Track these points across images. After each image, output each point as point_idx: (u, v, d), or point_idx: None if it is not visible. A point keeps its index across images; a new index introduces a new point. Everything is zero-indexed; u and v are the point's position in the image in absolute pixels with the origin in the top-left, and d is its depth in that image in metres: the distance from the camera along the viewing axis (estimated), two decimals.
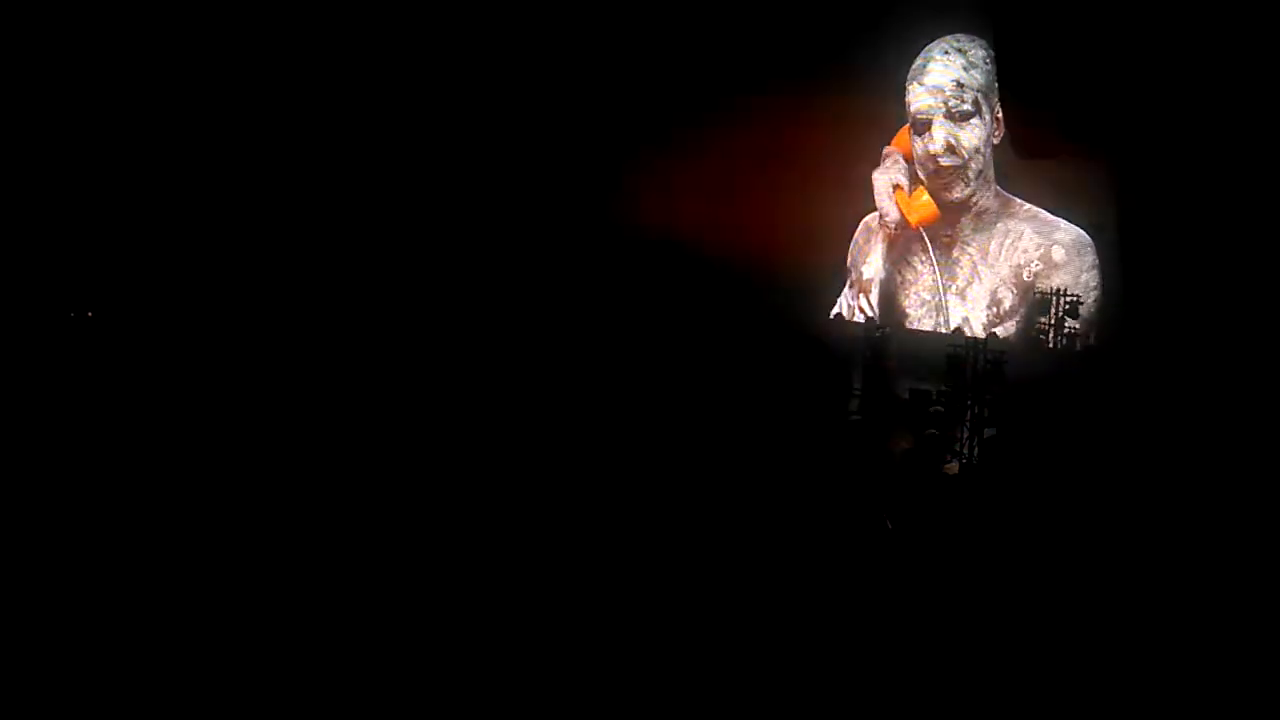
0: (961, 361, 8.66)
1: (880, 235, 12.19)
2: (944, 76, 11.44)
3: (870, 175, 12.24)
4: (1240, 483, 6.47)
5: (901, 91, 12.01)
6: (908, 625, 4.47)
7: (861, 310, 12.31)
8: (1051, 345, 10.17)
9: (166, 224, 11.55)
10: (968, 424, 8.39)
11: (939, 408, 8.68)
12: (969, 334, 10.58)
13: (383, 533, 5.51)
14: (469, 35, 12.35)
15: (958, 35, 11.64)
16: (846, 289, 12.47)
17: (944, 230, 11.54)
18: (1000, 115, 11.16)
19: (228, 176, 11.72)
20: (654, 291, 11.90)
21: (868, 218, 12.47)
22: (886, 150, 12.16)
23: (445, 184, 12.29)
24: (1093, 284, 10.48)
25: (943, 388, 8.92)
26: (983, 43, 11.42)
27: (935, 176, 11.46)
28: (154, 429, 7.45)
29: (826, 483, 6.32)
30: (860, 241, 12.52)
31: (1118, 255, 9.81)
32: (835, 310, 12.45)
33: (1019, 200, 11.19)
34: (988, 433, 8.30)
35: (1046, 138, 10.14)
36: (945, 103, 11.32)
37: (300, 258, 11.52)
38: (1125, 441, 7.55)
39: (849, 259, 12.55)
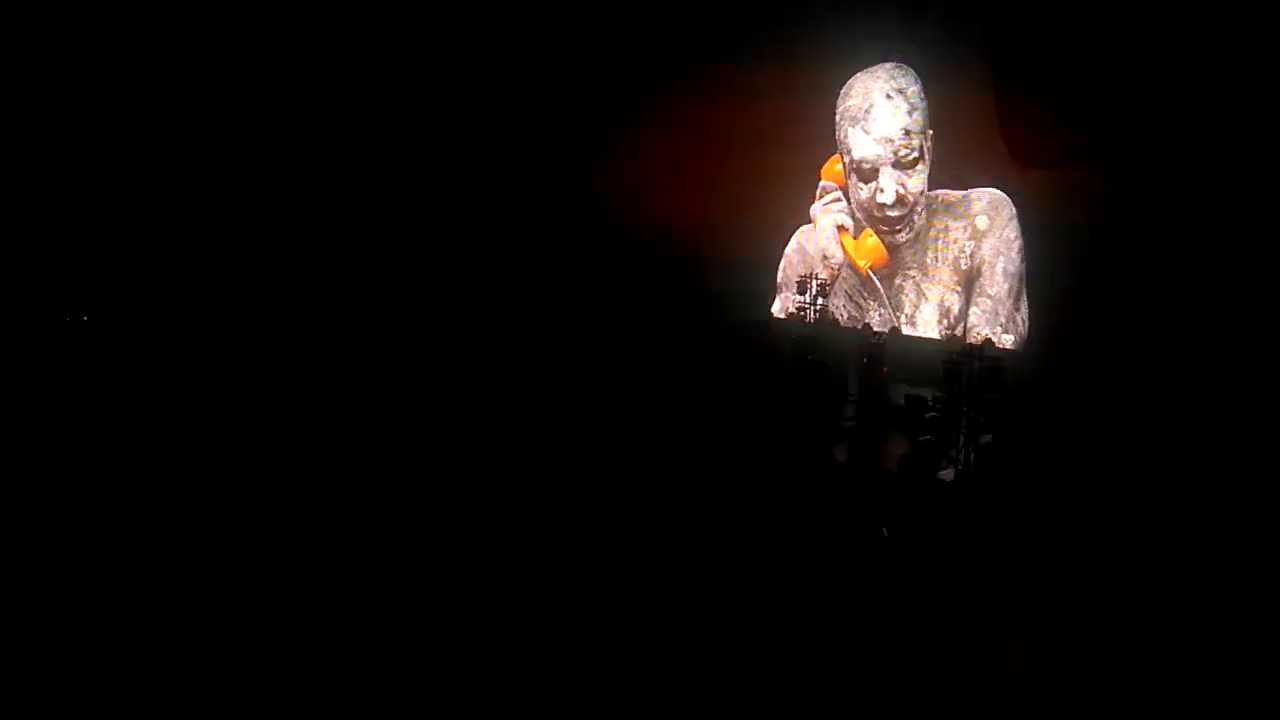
0: (957, 368, 8.63)
1: (821, 272, 11.97)
2: (891, 124, 11.04)
3: (810, 210, 12.03)
4: (1232, 488, 6.50)
5: (828, 107, 11.54)
6: (904, 629, 4.48)
7: None
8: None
9: (161, 229, 11.57)
10: (963, 430, 8.38)
11: (934, 414, 8.67)
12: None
13: (368, 529, 5.53)
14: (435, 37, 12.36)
15: (889, 70, 11.16)
16: (782, 295, 12.37)
17: (884, 266, 11.55)
18: (930, 145, 11.05)
19: (219, 183, 11.75)
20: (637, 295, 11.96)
21: (800, 234, 12.27)
22: (824, 185, 11.91)
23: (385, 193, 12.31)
24: (1013, 236, 10.66)
25: (938, 394, 8.90)
26: (913, 74, 11.06)
27: (881, 223, 11.36)
28: (149, 430, 7.45)
29: (823, 489, 6.33)
30: (794, 259, 12.32)
31: (1109, 259, 9.82)
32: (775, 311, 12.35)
33: (933, 194, 11.12)
34: (984, 439, 8.28)
35: (1046, 141, 10.07)
36: (895, 152, 11.03)
37: (291, 262, 11.54)
38: (1119, 446, 7.57)
39: (780, 274, 12.42)
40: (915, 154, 10.99)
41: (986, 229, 10.71)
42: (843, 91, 11.54)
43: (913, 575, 5.10)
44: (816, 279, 11.50)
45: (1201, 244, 8.63)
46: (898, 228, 11.28)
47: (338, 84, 11.89)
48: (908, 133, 11.00)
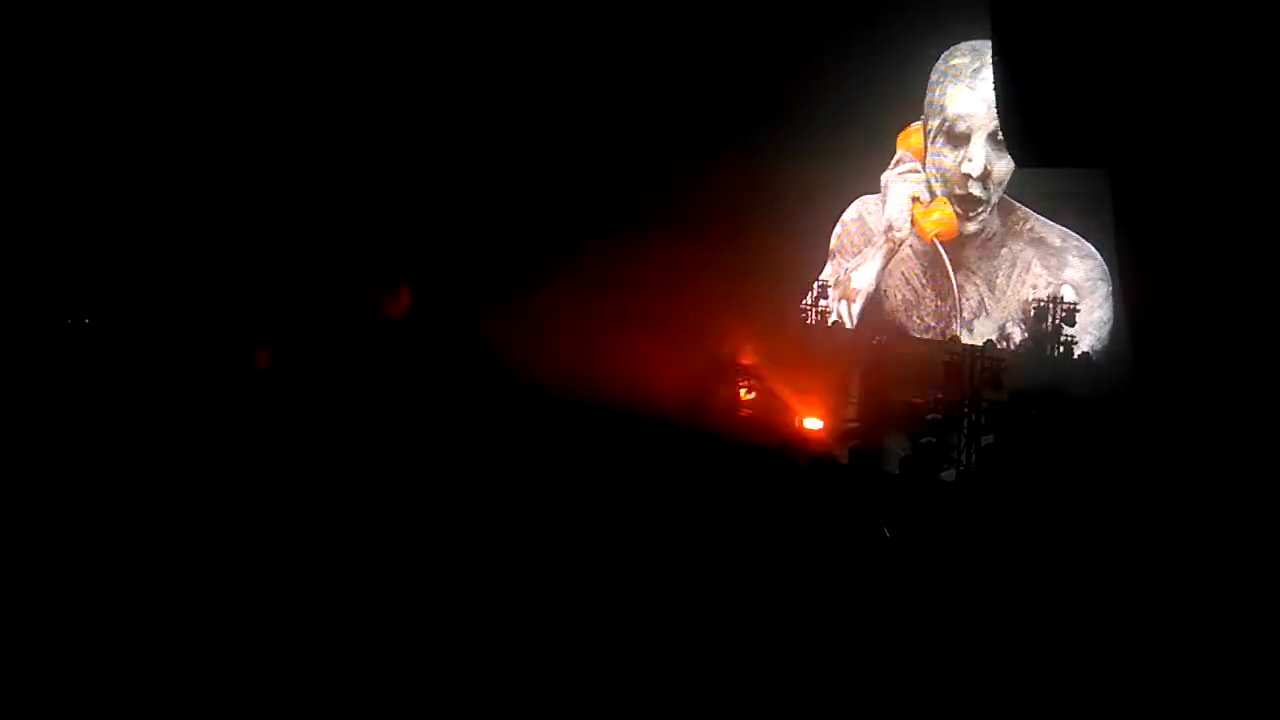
0: (958, 369, 8.59)
1: (880, 246, 11.15)
2: None
3: (882, 177, 11.13)
4: (1238, 493, 6.45)
5: (912, 82, 10.63)
6: (905, 630, 4.47)
7: (840, 317, 11.52)
8: (1049, 352, 10.04)
9: (163, 232, 11.61)
10: (964, 431, 8.35)
11: (935, 415, 8.64)
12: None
13: (375, 531, 5.53)
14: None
15: None
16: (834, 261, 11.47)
17: (948, 253, 10.69)
18: None
19: (221, 186, 11.78)
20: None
21: (861, 202, 11.41)
22: (901, 155, 11.03)
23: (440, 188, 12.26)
24: (1105, 319, 9.82)
25: (939, 395, 8.84)
26: None
27: (958, 200, 10.37)
28: (150, 432, 7.48)
29: (826, 490, 6.33)
30: (851, 228, 11.40)
31: (1114, 265, 9.71)
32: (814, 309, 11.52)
33: (1018, 208, 10.28)
34: (984, 440, 8.26)
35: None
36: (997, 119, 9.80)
37: (291, 264, 11.57)
38: (1124, 450, 7.53)
39: (834, 240, 11.46)
40: None
41: (1075, 302, 9.80)
42: (944, 55, 10.57)
43: (914, 575, 5.09)
44: (819, 281, 11.32)
45: (1202, 249, 8.54)
46: (970, 213, 10.30)
47: (336, 84, 11.91)
48: None
